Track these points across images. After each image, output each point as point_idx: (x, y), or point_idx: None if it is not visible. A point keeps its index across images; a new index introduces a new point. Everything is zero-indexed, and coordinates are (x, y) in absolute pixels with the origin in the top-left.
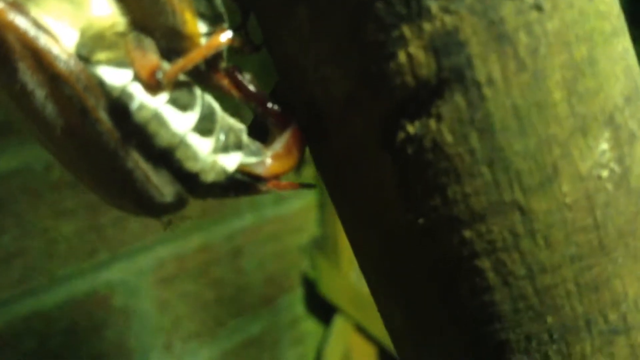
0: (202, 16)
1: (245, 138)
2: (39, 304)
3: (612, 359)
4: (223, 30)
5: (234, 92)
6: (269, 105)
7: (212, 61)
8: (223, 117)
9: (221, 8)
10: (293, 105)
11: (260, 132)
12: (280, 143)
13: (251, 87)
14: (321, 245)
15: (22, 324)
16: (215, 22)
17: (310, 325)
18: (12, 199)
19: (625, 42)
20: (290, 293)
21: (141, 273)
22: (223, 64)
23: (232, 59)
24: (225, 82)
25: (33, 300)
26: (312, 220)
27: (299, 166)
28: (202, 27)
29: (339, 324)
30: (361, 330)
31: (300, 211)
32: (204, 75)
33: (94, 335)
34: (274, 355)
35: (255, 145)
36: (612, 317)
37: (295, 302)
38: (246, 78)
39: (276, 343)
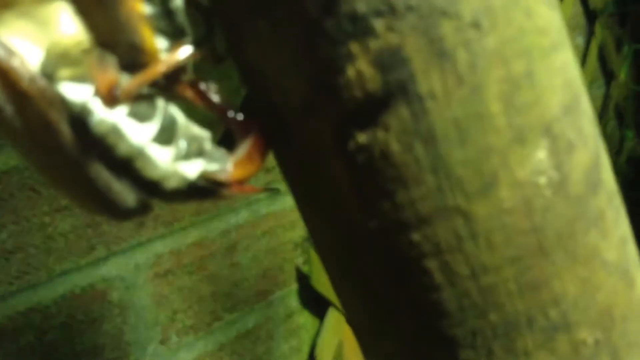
0: (162, 32)
1: (208, 145)
2: (37, 299)
3: (553, 354)
4: (182, 45)
5: (198, 103)
6: (230, 114)
7: (174, 74)
8: (186, 126)
9: (183, 24)
10: (257, 110)
11: (232, 140)
12: (242, 150)
13: (214, 98)
14: None
15: (20, 319)
16: (176, 37)
17: (305, 319)
18: (10, 196)
19: (565, 55)
20: (285, 287)
21: (138, 268)
22: (186, 77)
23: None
24: (188, 93)
25: (31, 295)
26: None
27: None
28: (162, 43)
29: (333, 317)
30: None
31: (295, 208)
32: (167, 87)
33: (91, 329)
34: (268, 348)
35: (218, 152)
36: (553, 314)
37: (290, 297)
38: (211, 89)
39: (271, 336)
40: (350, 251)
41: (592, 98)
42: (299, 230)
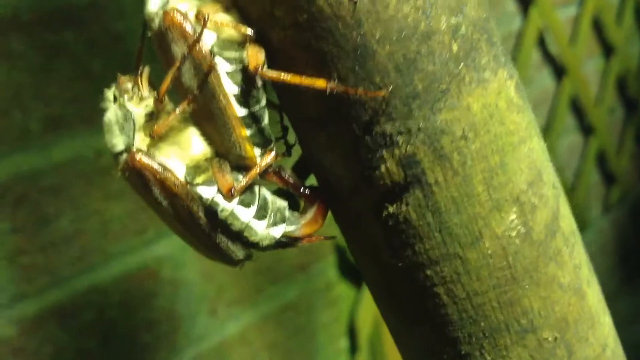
0: (257, 144)
1: (287, 213)
2: (96, 280)
3: (525, 348)
4: (270, 152)
5: (280, 184)
6: (302, 190)
7: (265, 170)
8: (273, 202)
9: (269, 135)
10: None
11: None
12: (310, 214)
13: (291, 180)
14: None
15: (81, 298)
16: (265, 145)
17: (343, 289)
18: (67, 185)
19: (531, 143)
20: (323, 260)
21: (186, 247)
22: (271, 169)
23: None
24: (274, 178)
25: (90, 276)
26: None
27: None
28: (257, 151)
29: None
30: None
31: None
32: (261, 177)
33: (146, 304)
34: (309, 318)
35: (293, 216)
36: (523, 322)
37: (328, 268)
38: (287, 173)
39: (311, 306)
40: (386, 281)
41: (588, 74)
42: None
